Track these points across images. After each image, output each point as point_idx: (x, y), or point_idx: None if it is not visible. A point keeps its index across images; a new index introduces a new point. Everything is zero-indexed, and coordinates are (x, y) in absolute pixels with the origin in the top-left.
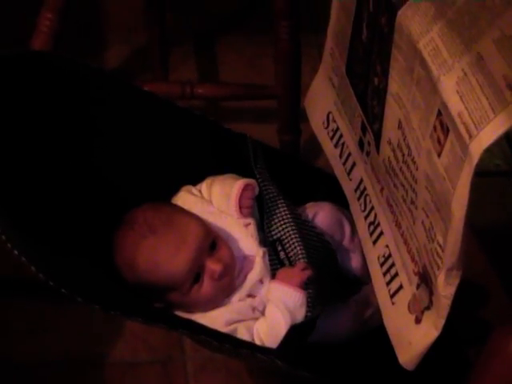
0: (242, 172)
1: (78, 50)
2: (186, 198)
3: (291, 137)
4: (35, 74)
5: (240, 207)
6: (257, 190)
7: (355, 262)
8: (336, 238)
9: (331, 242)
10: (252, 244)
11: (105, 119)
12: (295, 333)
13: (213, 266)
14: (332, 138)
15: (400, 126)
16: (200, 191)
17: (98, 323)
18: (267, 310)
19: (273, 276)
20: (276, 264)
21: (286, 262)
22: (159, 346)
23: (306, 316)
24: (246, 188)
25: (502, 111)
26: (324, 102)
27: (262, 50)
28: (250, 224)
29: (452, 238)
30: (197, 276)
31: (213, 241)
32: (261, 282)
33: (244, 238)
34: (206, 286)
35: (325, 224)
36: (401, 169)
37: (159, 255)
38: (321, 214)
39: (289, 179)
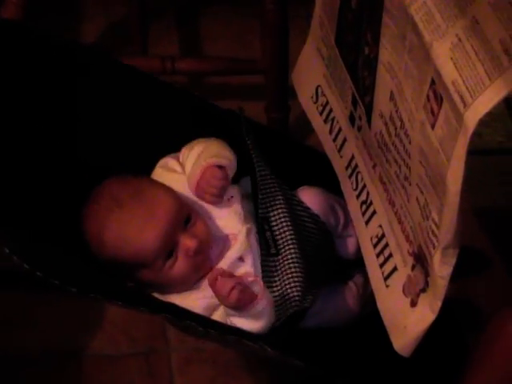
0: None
1: (54, 24)
2: (162, 175)
3: (279, 114)
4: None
5: (198, 192)
6: (231, 172)
7: (351, 248)
8: (329, 224)
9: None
10: (235, 221)
11: (80, 94)
12: (282, 325)
13: (187, 242)
14: (321, 113)
15: (392, 98)
16: (179, 161)
17: (76, 314)
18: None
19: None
20: (262, 244)
21: (271, 243)
22: (141, 337)
23: (296, 305)
24: (211, 173)
25: (498, 78)
26: (312, 74)
27: (248, 22)
28: (232, 197)
29: (447, 215)
30: (170, 252)
31: (187, 215)
32: (241, 259)
33: (226, 214)
34: (180, 264)
35: (316, 210)
36: (393, 143)
37: (127, 230)
38: (311, 200)
39: (278, 158)
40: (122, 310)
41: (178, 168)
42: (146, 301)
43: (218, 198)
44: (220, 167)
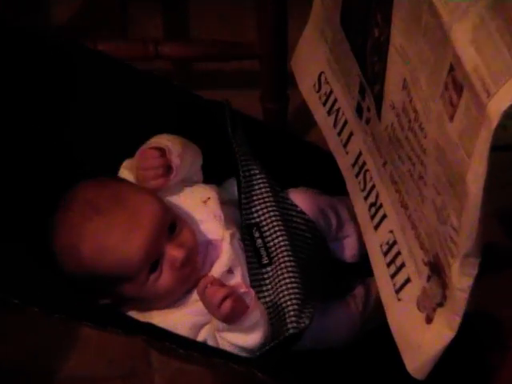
0: (217, 146)
1: (25, 5)
2: (128, 178)
3: (277, 105)
4: None
5: (141, 180)
6: (176, 155)
7: (349, 250)
8: (320, 228)
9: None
10: (215, 226)
11: (54, 85)
12: (276, 347)
13: (174, 253)
14: (325, 104)
15: (405, 86)
16: None
17: (47, 332)
18: (220, 341)
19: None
20: (251, 253)
21: (264, 253)
22: (120, 358)
23: (291, 327)
24: (144, 156)
25: None
26: (315, 60)
27: (241, 1)
28: (209, 199)
29: (468, 219)
30: (155, 264)
31: (172, 222)
32: (230, 272)
33: (205, 219)
34: (166, 276)
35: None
36: (406, 137)
37: (108, 240)
38: (299, 204)
39: (273, 156)
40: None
41: None
42: (119, 321)
43: (162, 179)
44: (157, 149)
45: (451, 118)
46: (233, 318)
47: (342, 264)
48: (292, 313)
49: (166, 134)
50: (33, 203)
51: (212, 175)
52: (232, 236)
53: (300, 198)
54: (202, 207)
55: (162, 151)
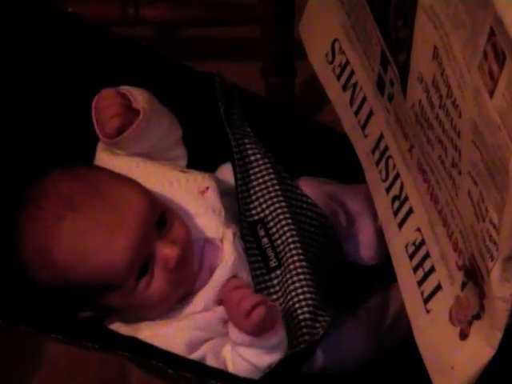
0: (211, 126)
1: None
2: (108, 161)
3: (282, 79)
4: None
5: (99, 124)
6: (141, 97)
7: (365, 250)
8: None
9: None
10: (214, 222)
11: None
12: (286, 363)
13: (166, 251)
14: (339, 77)
15: (436, 56)
16: None
17: (6, 354)
18: (233, 356)
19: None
20: (256, 255)
21: (271, 254)
22: (93, 383)
23: (303, 340)
24: (104, 94)
25: None
26: (328, 25)
27: None
28: (207, 189)
29: (510, 214)
30: (144, 267)
31: (161, 216)
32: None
33: (202, 213)
34: (158, 280)
35: None
36: (437, 117)
37: (86, 242)
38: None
39: (278, 139)
40: (66, 346)
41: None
42: (95, 334)
43: (121, 117)
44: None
45: (491, 93)
46: (262, 330)
47: (357, 268)
48: (303, 323)
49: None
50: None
51: (205, 161)
52: (234, 235)
53: (308, 189)
54: (198, 199)
55: (121, 94)
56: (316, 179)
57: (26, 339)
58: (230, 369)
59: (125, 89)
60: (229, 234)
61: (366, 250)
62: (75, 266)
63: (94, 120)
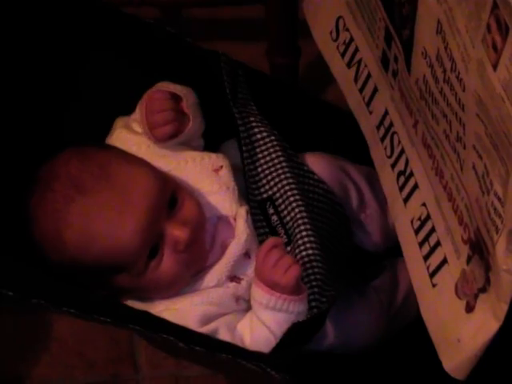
0: (216, 104)
1: None
2: (123, 140)
3: (286, 59)
4: None
5: (150, 128)
6: (188, 100)
7: (375, 236)
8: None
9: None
10: (228, 200)
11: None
12: (297, 333)
13: (176, 233)
14: (344, 55)
15: (439, 30)
16: (138, 122)
17: (16, 334)
18: (252, 323)
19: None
20: (266, 233)
21: (281, 231)
22: (101, 361)
23: (311, 309)
24: (151, 98)
25: None
26: (332, 2)
27: None
28: (221, 167)
29: None
30: (154, 249)
31: (172, 195)
32: (247, 256)
33: (215, 190)
34: (167, 262)
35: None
36: (441, 91)
37: (95, 224)
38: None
39: (284, 117)
40: (75, 324)
41: (138, 128)
42: (107, 308)
43: (173, 124)
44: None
45: (495, 66)
46: (295, 289)
47: (366, 251)
48: (312, 297)
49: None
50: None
51: (209, 139)
52: (247, 212)
53: (317, 165)
54: (213, 176)
55: (172, 95)
56: (329, 155)
57: (35, 318)
58: (248, 339)
59: (176, 90)
60: (242, 212)
61: (373, 237)
62: (85, 249)
63: (144, 119)
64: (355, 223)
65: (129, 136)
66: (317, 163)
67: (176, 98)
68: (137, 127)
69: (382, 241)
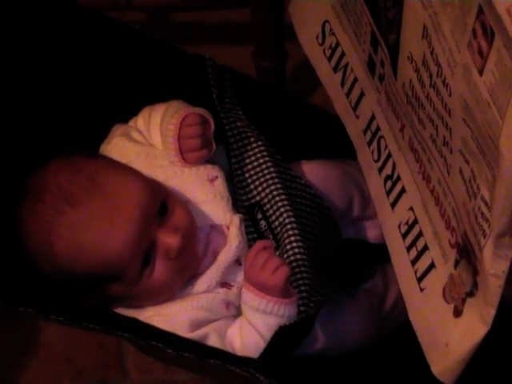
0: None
1: None
2: (122, 148)
3: (273, 62)
4: None
5: (182, 151)
6: (212, 126)
7: (371, 231)
8: (339, 207)
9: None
10: (222, 208)
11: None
12: (285, 337)
13: (167, 240)
14: (330, 59)
15: (425, 35)
16: (141, 132)
17: (4, 340)
18: (242, 327)
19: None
20: (254, 239)
21: (269, 236)
22: (90, 367)
23: (299, 313)
24: (186, 123)
25: None
26: (318, 6)
27: None
28: (217, 178)
29: (501, 190)
30: (147, 257)
31: (162, 203)
32: (238, 263)
33: (210, 200)
34: (160, 269)
35: (321, 189)
36: (428, 96)
37: (85, 236)
38: (317, 177)
39: (270, 122)
40: (64, 330)
41: (139, 137)
42: (95, 315)
43: (205, 150)
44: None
45: (480, 71)
46: (283, 290)
47: (358, 247)
48: (300, 301)
49: (179, 101)
50: None
51: None
52: (240, 221)
53: (316, 170)
54: (207, 186)
55: (202, 118)
56: (328, 160)
57: (23, 323)
58: (238, 344)
59: (205, 113)
60: (236, 220)
61: (375, 229)
62: (76, 260)
63: (176, 139)
64: (357, 221)
65: (128, 144)
66: (321, 168)
67: (204, 122)
68: (137, 136)
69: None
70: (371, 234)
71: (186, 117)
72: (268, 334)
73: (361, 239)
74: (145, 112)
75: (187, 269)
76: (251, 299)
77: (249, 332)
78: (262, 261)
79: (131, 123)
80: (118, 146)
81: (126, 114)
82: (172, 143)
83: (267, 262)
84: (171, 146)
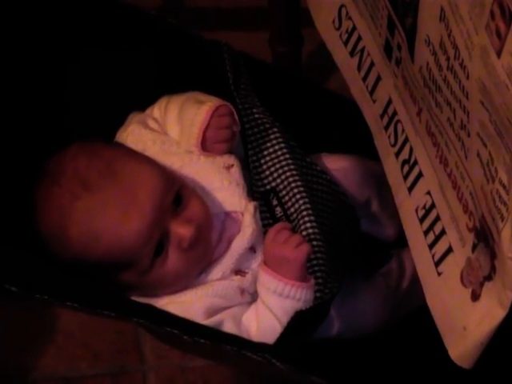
0: (220, 94)
1: None
2: (138, 135)
3: (289, 47)
4: None
5: (209, 141)
6: (237, 118)
7: (388, 232)
8: (358, 201)
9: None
10: (237, 195)
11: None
12: (301, 322)
13: (180, 231)
14: (347, 43)
15: (442, 17)
16: (157, 120)
17: (23, 326)
18: (259, 311)
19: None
20: (270, 225)
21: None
22: (107, 353)
23: (315, 299)
24: (218, 113)
25: None
26: None
27: None
28: (232, 166)
29: None
30: (159, 246)
31: (177, 194)
32: (252, 250)
33: (226, 186)
34: (173, 259)
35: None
36: (445, 79)
37: (100, 222)
38: (336, 170)
39: (288, 108)
40: (82, 315)
41: (154, 125)
42: (111, 301)
43: (231, 142)
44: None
45: (498, 52)
46: (303, 270)
47: (374, 239)
48: (316, 287)
49: (196, 92)
50: (13, 171)
51: None
52: (255, 208)
53: (337, 162)
54: (223, 173)
55: (231, 110)
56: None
57: (41, 309)
58: (254, 329)
59: (228, 103)
60: (250, 207)
61: (389, 229)
62: (90, 246)
63: (202, 129)
64: (371, 219)
65: (145, 131)
66: (346, 164)
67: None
68: (153, 124)
69: (396, 233)
70: (386, 232)
71: (219, 107)
72: (284, 318)
73: (373, 235)
74: (162, 102)
75: (200, 259)
76: (268, 281)
77: (265, 315)
78: (284, 237)
79: (148, 111)
80: (134, 133)
81: (143, 102)
82: (197, 132)
83: (290, 238)
84: (195, 135)
